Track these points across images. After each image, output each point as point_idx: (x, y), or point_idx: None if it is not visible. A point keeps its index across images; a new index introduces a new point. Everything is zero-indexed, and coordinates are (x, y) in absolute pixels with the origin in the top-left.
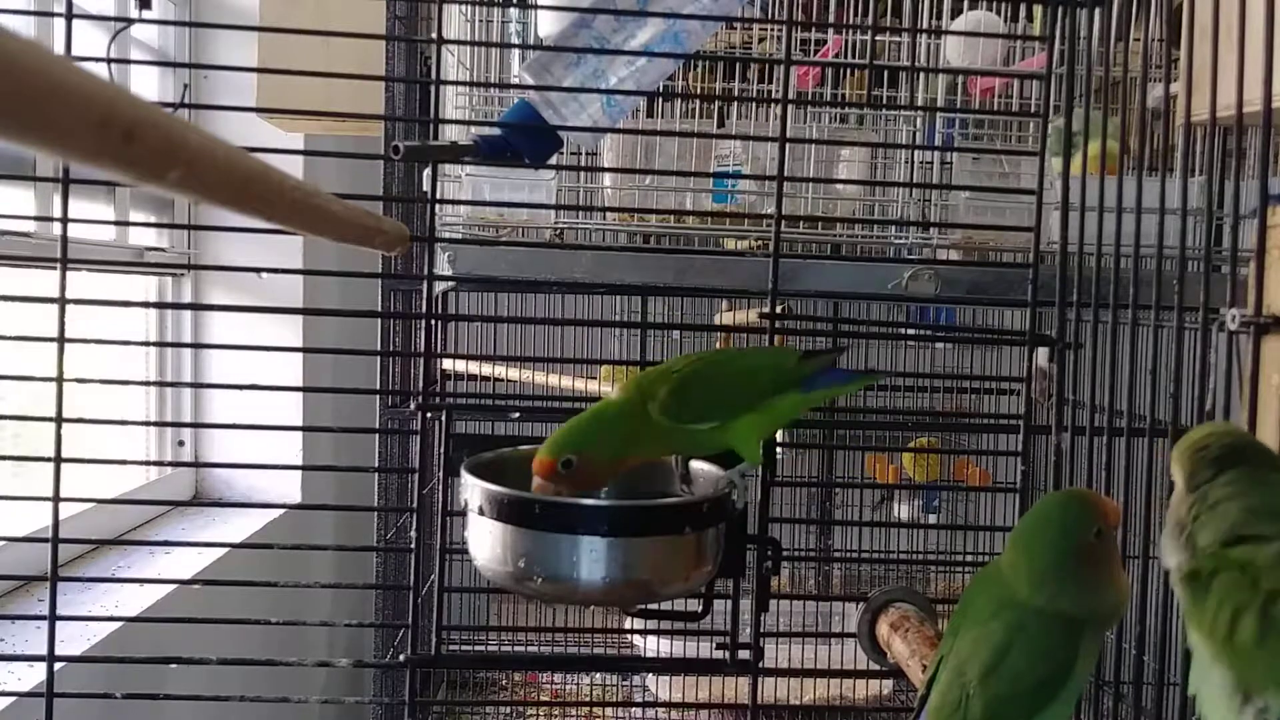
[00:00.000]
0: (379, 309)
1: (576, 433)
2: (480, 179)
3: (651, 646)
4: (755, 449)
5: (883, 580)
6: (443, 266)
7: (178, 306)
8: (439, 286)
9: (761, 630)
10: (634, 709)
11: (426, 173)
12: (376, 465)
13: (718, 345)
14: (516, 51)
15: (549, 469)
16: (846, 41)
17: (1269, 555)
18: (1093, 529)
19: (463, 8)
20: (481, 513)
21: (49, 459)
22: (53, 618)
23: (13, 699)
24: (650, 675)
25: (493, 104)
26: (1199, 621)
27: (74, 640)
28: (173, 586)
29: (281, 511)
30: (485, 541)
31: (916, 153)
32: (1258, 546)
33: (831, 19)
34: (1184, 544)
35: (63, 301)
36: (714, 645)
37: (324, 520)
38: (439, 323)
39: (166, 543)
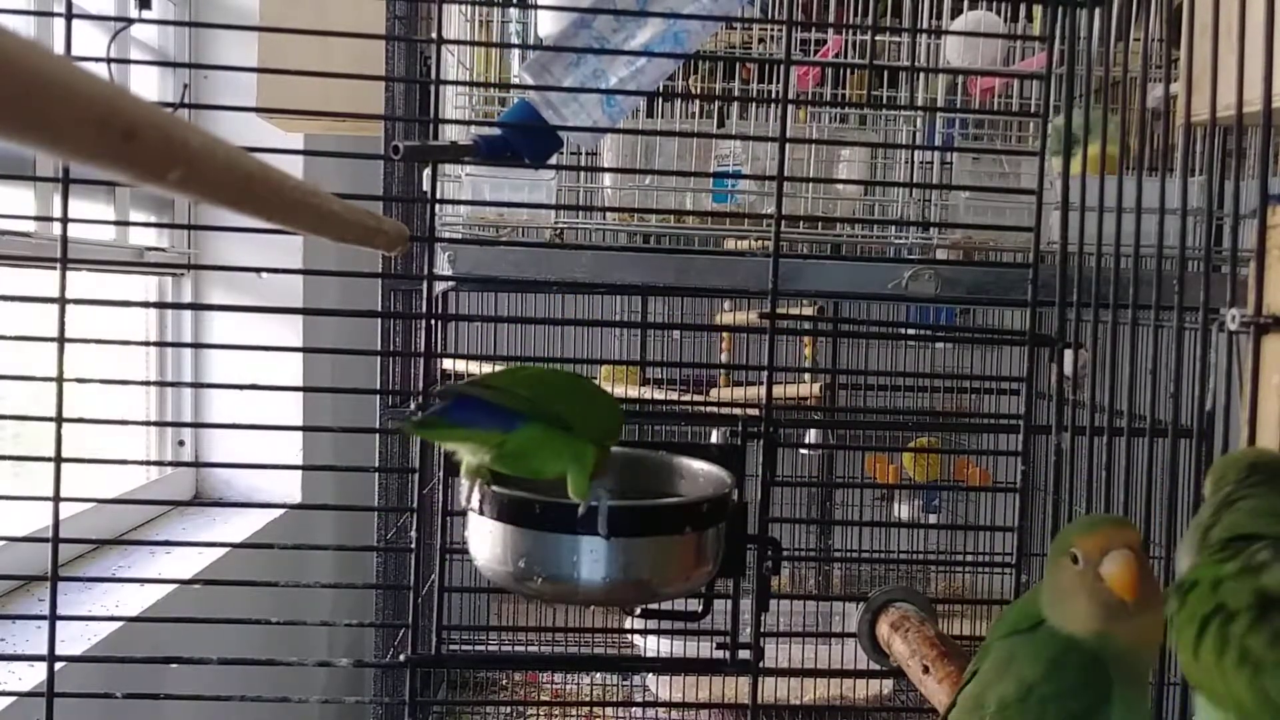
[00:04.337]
0: (379, 309)
1: None
2: (480, 179)
3: (652, 646)
4: None
5: (883, 580)
6: (443, 266)
7: (178, 306)
8: (439, 286)
9: (761, 630)
10: (634, 709)
11: (426, 173)
12: (376, 465)
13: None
14: (516, 51)
15: None
16: (846, 41)
17: (1234, 567)
18: (1067, 554)
19: (463, 8)
20: (482, 512)
21: (49, 459)
22: (53, 617)
23: (13, 699)
24: (650, 675)
25: (493, 104)
26: (1175, 633)
27: (74, 640)
28: (173, 586)
29: (282, 511)
30: (486, 541)
31: (916, 153)
32: (1230, 556)
33: (831, 19)
34: (1199, 547)
35: (63, 301)
36: (714, 645)
37: (324, 520)
38: (439, 323)
39: (167, 543)
